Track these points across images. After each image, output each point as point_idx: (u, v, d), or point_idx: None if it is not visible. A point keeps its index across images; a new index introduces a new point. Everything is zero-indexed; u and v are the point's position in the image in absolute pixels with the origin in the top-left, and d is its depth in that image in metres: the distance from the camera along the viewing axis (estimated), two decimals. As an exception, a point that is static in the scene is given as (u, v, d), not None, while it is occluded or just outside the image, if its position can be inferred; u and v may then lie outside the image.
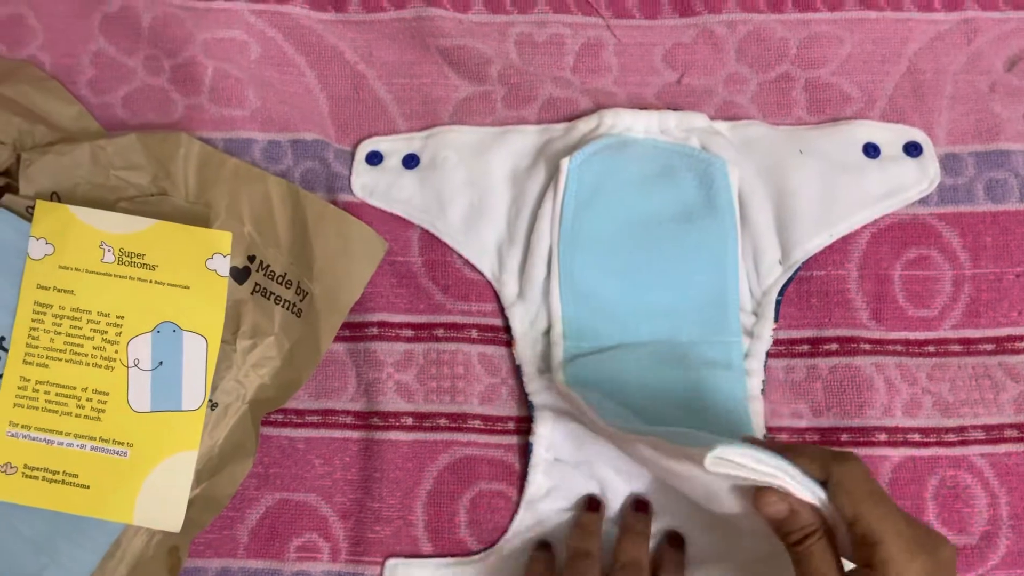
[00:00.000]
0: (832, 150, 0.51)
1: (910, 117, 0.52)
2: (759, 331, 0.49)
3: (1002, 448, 0.48)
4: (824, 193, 0.50)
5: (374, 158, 0.53)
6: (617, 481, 0.48)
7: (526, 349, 0.49)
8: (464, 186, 0.52)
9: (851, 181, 0.51)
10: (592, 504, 0.48)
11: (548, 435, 0.48)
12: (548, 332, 0.49)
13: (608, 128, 0.52)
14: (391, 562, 0.47)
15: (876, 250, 0.51)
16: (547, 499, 0.48)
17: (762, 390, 0.48)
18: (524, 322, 0.50)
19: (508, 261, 0.51)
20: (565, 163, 0.50)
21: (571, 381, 0.47)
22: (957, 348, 0.49)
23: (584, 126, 0.52)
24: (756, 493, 0.36)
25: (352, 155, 0.53)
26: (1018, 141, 0.52)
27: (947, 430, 0.48)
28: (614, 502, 0.48)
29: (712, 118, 0.53)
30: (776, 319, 0.49)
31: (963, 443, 0.48)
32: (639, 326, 0.49)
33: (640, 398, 0.46)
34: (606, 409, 0.45)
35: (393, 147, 0.53)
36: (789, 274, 0.50)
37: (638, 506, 0.47)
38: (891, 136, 0.52)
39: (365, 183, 0.52)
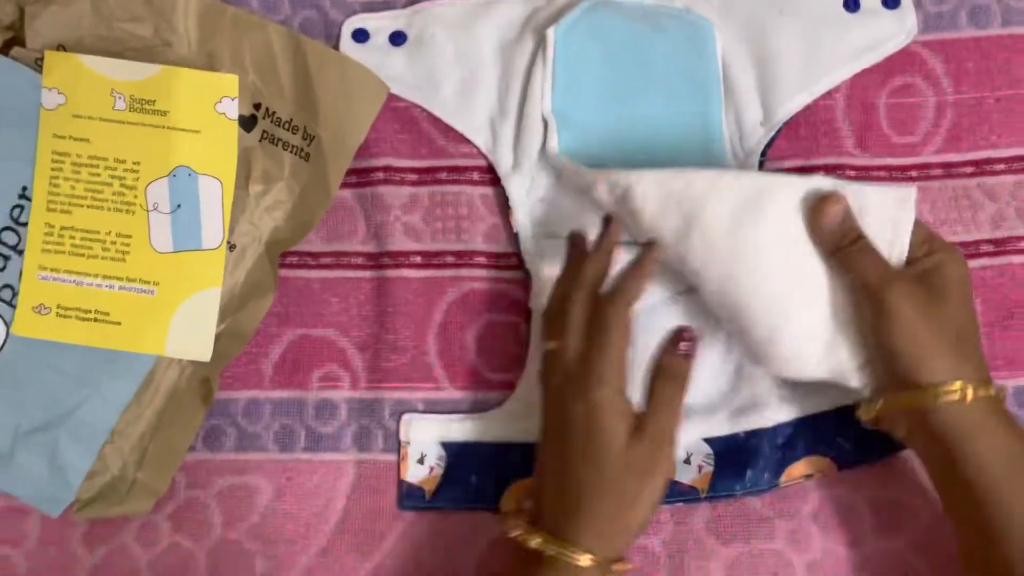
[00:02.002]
0: (813, 6, 0.52)
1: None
2: None
3: (978, 263, 0.50)
4: (805, 52, 0.51)
5: (361, 35, 0.53)
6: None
7: (523, 216, 0.51)
8: (453, 62, 0.53)
9: (832, 37, 0.52)
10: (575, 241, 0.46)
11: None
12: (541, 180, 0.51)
13: None
14: (406, 417, 0.49)
15: (863, 79, 0.52)
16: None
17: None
18: (521, 190, 0.51)
19: (502, 134, 0.52)
20: (551, 33, 0.51)
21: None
22: (938, 172, 0.52)
23: None
24: (819, 201, 0.42)
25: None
26: (1002, -35, 0.53)
27: (927, 247, 0.51)
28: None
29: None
30: None
31: (941, 259, 0.50)
32: None
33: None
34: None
35: (379, 24, 0.54)
36: (772, 134, 0.51)
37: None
38: None
39: None
